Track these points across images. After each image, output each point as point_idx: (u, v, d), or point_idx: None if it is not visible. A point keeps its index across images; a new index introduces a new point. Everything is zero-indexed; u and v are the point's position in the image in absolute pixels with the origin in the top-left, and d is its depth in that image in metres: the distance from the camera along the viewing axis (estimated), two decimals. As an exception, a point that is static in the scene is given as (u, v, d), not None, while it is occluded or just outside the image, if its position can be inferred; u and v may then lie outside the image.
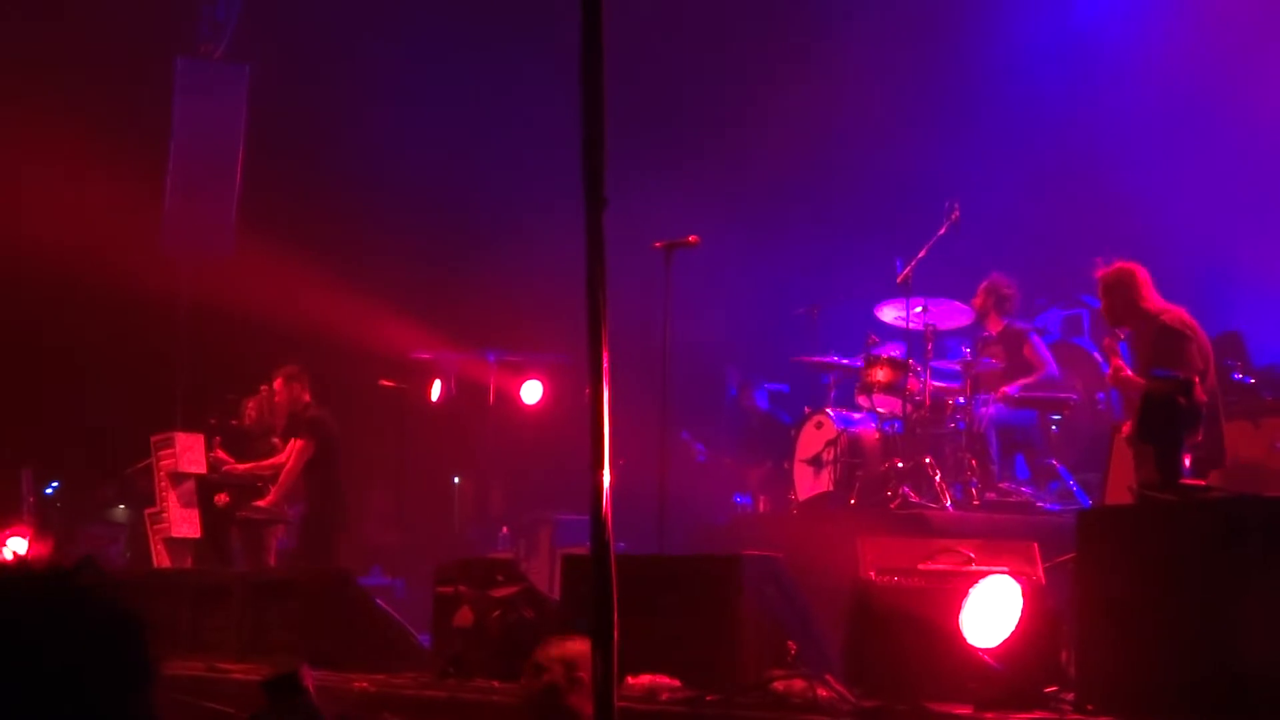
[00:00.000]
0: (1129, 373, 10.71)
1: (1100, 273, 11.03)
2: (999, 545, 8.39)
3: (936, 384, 12.78)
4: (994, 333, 13.19)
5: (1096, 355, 13.38)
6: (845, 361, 13.51)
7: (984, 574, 7.72)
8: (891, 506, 11.97)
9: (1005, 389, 12.72)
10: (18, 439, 16.86)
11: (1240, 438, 11.17)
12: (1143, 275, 10.89)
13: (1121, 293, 10.88)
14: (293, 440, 13.76)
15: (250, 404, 14.30)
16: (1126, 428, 11.08)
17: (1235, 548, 6.60)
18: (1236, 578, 6.52)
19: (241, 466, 14.00)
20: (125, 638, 2.40)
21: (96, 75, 17.21)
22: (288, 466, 13.66)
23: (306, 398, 13.98)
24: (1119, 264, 10.97)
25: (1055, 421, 13.03)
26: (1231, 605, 6.46)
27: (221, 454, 14.01)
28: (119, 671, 2.37)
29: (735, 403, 16.90)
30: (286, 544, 14.10)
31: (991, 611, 7.48)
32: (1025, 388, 12.80)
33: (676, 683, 8.17)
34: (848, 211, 16.78)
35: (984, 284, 13.28)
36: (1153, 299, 10.81)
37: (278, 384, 14.03)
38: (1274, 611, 6.26)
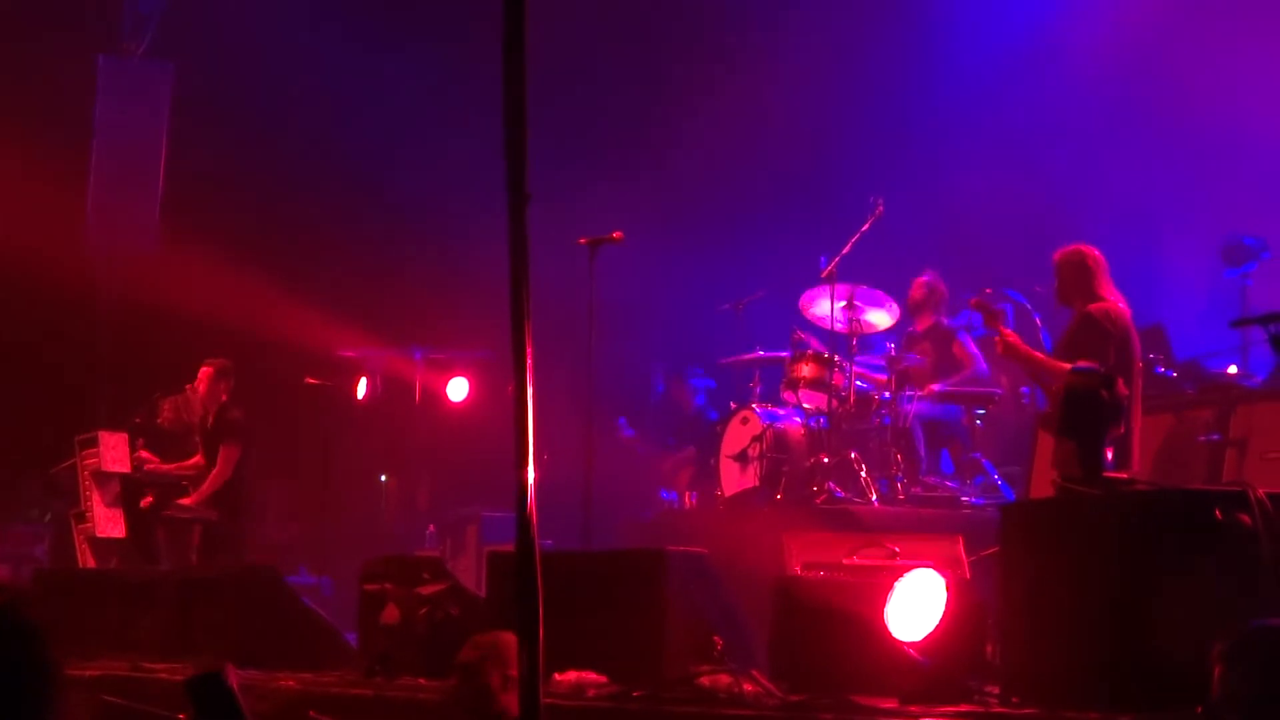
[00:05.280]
0: (1015, 339, 10.63)
1: (1057, 252, 10.73)
2: (924, 539, 8.48)
3: (860, 385, 12.81)
4: (922, 329, 13.24)
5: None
6: (771, 356, 13.53)
7: (909, 568, 7.77)
8: (817, 502, 12.00)
9: (932, 386, 12.76)
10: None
11: (1162, 431, 11.20)
12: (1097, 262, 10.57)
13: (1072, 274, 10.58)
14: (223, 447, 13.59)
15: (167, 404, 14.20)
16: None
17: (1156, 540, 6.66)
18: (1157, 570, 6.57)
19: (165, 467, 13.92)
20: (22, 645, 2.38)
21: (16, 69, 17.03)
22: (218, 470, 13.51)
23: (224, 397, 13.84)
24: (1077, 245, 10.70)
25: (980, 416, 13.08)
26: (1152, 597, 6.50)
27: (145, 454, 13.91)
28: (19, 678, 2.36)
29: (664, 397, 16.90)
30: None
31: (916, 605, 7.53)
32: (952, 384, 12.84)
33: (603, 679, 8.18)
34: (774, 208, 16.82)
35: (922, 279, 13.30)
36: (1100, 288, 10.51)
37: (205, 372, 13.85)
38: (1193, 603, 6.32)
